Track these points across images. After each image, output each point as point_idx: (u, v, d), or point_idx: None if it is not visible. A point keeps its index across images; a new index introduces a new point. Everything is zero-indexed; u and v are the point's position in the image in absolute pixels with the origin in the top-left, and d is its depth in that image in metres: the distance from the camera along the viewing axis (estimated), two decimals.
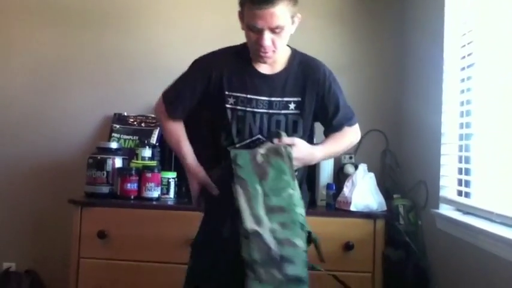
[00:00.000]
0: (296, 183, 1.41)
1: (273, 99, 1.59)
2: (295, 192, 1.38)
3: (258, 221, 1.29)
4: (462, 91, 1.92)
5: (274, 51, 1.51)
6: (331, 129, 1.69)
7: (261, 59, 1.55)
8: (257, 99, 1.58)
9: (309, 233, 1.35)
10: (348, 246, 2.00)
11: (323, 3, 2.57)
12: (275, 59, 1.59)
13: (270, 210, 1.32)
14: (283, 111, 1.60)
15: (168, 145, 1.86)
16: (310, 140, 1.68)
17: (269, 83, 1.59)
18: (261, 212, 1.31)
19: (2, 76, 2.56)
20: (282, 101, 1.60)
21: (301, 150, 1.50)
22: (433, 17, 2.09)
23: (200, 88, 1.62)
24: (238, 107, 1.59)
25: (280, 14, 1.43)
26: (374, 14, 2.56)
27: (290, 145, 1.46)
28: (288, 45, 1.63)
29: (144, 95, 2.53)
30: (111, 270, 2.02)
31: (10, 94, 2.56)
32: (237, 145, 1.58)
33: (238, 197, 1.32)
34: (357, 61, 2.55)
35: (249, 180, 1.35)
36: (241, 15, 1.52)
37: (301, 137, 1.59)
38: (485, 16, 1.75)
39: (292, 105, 1.61)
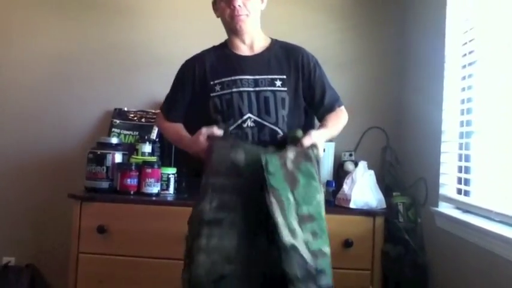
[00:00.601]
0: (321, 185, 1.44)
1: (257, 77, 1.63)
2: (321, 196, 1.41)
3: (293, 233, 1.28)
4: (463, 89, 1.91)
5: (247, 15, 1.59)
6: (323, 109, 1.71)
7: (236, 24, 1.60)
8: (241, 79, 1.63)
9: None
10: (347, 243, 2.00)
11: None
12: (251, 33, 1.65)
13: (301, 220, 1.32)
14: (269, 88, 1.63)
15: (169, 141, 1.87)
16: (310, 126, 1.69)
17: (251, 63, 1.65)
18: (294, 222, 1.30)
19: (1, 70, 2.55)
20: (267, 78, 1.64)
21: (321, 143, 1.52)
22: (435, 14, 2.08)
23: (189, 88, 1.70)
24: (225, 91, 1.63)
25: None
26: (375, 10, 2.55)
27: (314, 145, 1.46)
28: (269, 37, 1.73)
29: (144, 90, 2.54)
30: (110, 265, 2.03)
31: (10, 89, 2.55)
32: (231, 128, 1.59)
33: (274, 209, 1.29)
34: (357, 57, 2.54)
35: (281, 189, 1.33)
36: (215, 6, 1.67)
37: (290, 114, 1.63)
38: (487, 14, 1.74)
39: (278, 83, 1.64)
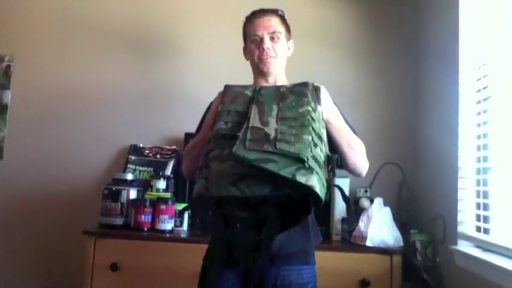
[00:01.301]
0: (319, 109, 1.39)
1: None
2: (315, 113, 1.34)
3: (264, 123, 1.28)
4: (478, 124, 1.90)
5: (274, 57, 1.66)
6: None
7: (264, 65, 1.66)
8: None
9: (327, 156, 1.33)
10: (364, 283, 1.95)
11: (337, 35, 2.61)
12: (276, 77, 1.68)
13: (281, 119, 1.30)
14: None
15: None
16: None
17: None
18: (271, 119, 1.29)
19: (17, 104, 2.62)
20: None
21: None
22: (448, 50, 2.09)
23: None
24: None
25: (276, 22, 1.67)
26: (389, 45, 2.58)
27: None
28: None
29: (160, 126, 2.57)
30: None
31: (25, 123, 2.60)
32: None
33: (252, 110, 1.32)
34: (371, 93, 2.56)
35: (267, 102, 1.35)
36: (245, 50, 1.74)
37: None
38: (501, 49, 1.74)
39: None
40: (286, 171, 1.17)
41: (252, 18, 1.69)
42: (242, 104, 1.39)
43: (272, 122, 1.29)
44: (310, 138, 1.26)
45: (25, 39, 2.66)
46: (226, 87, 1.49)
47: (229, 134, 1.31)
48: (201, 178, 1.27)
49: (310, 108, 1.33)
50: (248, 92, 1.43)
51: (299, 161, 1.19)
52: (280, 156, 1.20)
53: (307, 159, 1.20)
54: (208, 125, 1.51)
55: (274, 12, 1.69)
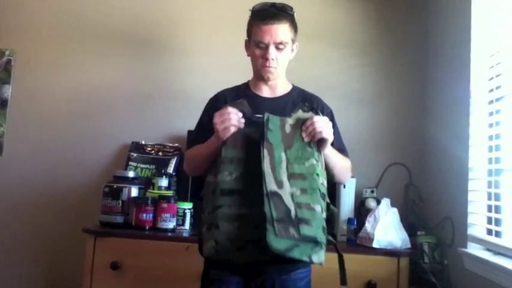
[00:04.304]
0: (322, 156, 1.48)
1: None
2: (318, 163, 1.44)
3: (279, 185, 1.36)
4: (491, 125, 1.85)
5: (276, 68, 1.64)
6: None
7: (264, 73, 1.65)
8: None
9: (328, 204, 1.46)
10: (370, 286, 1.91)
11: (344, 34, 2.56)
12: (276, 80, 1.69)
13: (291, 176, 1.38)
14: None
15: (192, 166, 1.71)
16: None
17: (269, 104, 1.66)
18: (283, 176, 1.37)
19: (17, 99, 2.58)
20: None
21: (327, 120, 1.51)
22: (459, 49, 2.05)
23: (211, 124, 1.63)
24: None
25: (284, 31, 1.60)
26: (396, 45, 2.54)
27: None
28: (291, 84, 1.75)
29: (162, 123, 2.53)
30: None
31: (26, 121, 2.56)
32: None
33: (264, 161, 1.37)
34: (379, 93, 2.51)
35: (275, 146, 1.41)
36: (248, 44, 1.70)
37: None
38: None
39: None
40: (304, 255, 1.33)
41: (260, 23, 1.60)
42: (245, 147, 1.44)
43: (285, 181, 1.37)
44: (320, 208, 1.39)
45: (26, 34, 2.62)
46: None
47: (235, 189, 1.40)
48: (210, 239, 1.38)
49: (314, 161, 1.43)
50: (252, 131, 1.45)
51: (314, 240, 1.35)
52: (302, 240, 1.33)
53: (321, 239, 1.36)
54: (207, 128, 1.58)
55: (284, 16, 1.60)
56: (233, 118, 1.45)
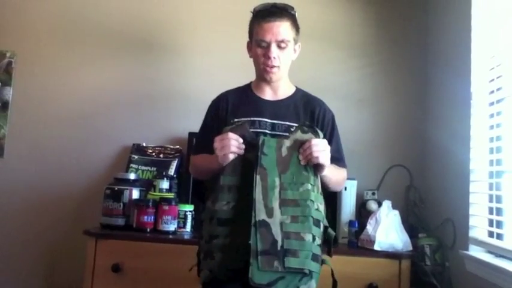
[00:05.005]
0: (318, 179, 1.47)
1: (275, 121, 1.64)
2: (314, 188, 1.43)
3: (269, 213, 1.35)
4: (491, 127, 1.85)
5: (278, 67, 1.62)
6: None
7: (267, 75, 1.64)
8: (260, 121, 1.63)
9: (326, 228, 1.45)
10: None
11: (345, 35, 2.56)
12: (279, 82, 1.68)
13: (283, 202, 1.38)
14: (285, 134, 1.60)
15: (198, 174, 1.76)
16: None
17: (271, 107, 1.66)
18: (275, 203, 1.37)
19: (18, 101, 2.58)
20: (284, 124, 1.63)
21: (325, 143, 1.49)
22: (459, 50, 2.04)
23: (214, 129, 1.65)
24: None
25: (285, 29, 1.60)
26: (397, 46, 2.54)
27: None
28: (295, 86, 1.75)
29: (163, 125, 2.53)
30: None
31: (27, 123, 2.56)
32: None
33: (256, 188, 1.37)
34: (379, 94, 2.51)
35: (269, 171, 1.40)
36: (250, 45, 1.69)
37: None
38: None
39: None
40: (291, 287, 1.34)
41: (261, 21, 1.61)
42: (243, 173, 1.43)
43: (276, 208, 1.36)
44: (311, 236, 1.37)
45: (27, 36, 2.62)
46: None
47: (231, 218, 1.40)
48: (205, 268, 1.42)
49: (309, 186, 1.42)
50: (251, 156, 1.43)
51: (301, 272, 1.35)
52: (287, 272, 1.33)
53: (311, 268, 1.36)
54: (210, 131, 1.62)
55: (285, 15, 1.61)
56: (233, 145, 1.44)
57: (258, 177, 1.38)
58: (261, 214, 1.34)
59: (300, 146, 1.45)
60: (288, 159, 1.43)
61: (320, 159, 1.43)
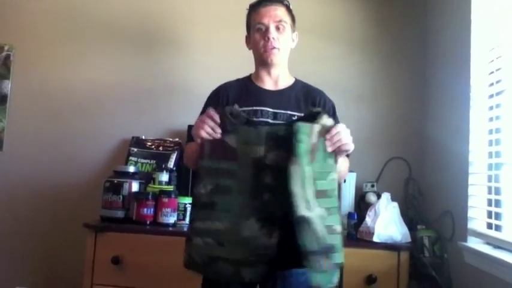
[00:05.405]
0: (336, 165, 1.39)
1: (277, 110, 1.63)
2: (336, 176, 1.36)
3: (308, 206, 1.26)
4: (491, 119, 1.85)
5: (279, 49, 1.63)
6: None
7: (267, 56, 1.64)
8: (262, 110, 1.62)
9: None
10: (370, 280, 1.92)
11: (344, 31, 2.55)
12: (278, 68, 1.68)
13: (317, 194, 1.29)
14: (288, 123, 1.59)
15: (190, 163, 1.69)
16: None
17: (273, 97, 1.66)
18: (311, 195, 1.28)
19: (17, 94, 2.57)
20: (286, 113, 1.62)
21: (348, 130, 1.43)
22: (459, 43, 2.04)
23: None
24: None
25: (282, 12, 1.64)
26: (395, 41, 2.53)
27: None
28: (294, 77, 1.75)
29: (162, 118, 2.53)
30: None
31: (26, 116, 2.56)
32: None
33: (294, 179, 1.25)
34: (378, 88, 2.51)
35: (303, 159, 1.28)
36: (248, 39, 1.72)
37: None
38: None
39: (296, 119, 1.60)
40: (329, 283, 1.29)
41: (258, 7, 1.65)
42: (224, 159, 1.37)
43: (313, 201, 1.28)
44: (341, 228, 1.34)
45: (25, 29, 2.61)
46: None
47: (208, 203, 1.35)
48: (186, 252, 1.40)
49: (335, 176, 1.35)
50: (231, 141, 1.36)
51: (341, 266, 1.32)
52: (332, 269, 1.29)
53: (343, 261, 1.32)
54: None
55: (280, 1, 1.65)
56: (206, 125, 1.37)
57: (293, 167, 1.26)
58: (301, 209, 1.24)
59: (325, 132, 1.34)
60: (316, 146, 1.32)
61: (348, 145, 1.37)
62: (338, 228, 1.32)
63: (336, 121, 1.66)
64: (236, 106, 1.47)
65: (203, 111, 1.75)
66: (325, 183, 1.32)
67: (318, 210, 1.27)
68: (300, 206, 1.24)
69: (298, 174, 1.26)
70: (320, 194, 1.29)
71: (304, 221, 1.24)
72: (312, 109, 1.47)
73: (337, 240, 1.30)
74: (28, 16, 2.62)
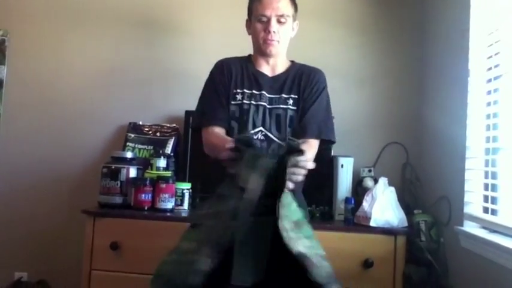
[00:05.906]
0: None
1: (272, 96, 1.72)
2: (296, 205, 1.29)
3: (294, 241, 1.18)
4: (488, 103, 1.85)
5: (278, 41, 1.67)
6: (302, 132, 1.66)
7: (266, 47, 1.67)
8: (260, 94, 1.71)
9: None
10: (367, 264, 1.93)
11: (343, 14, 2.53)
12: (276, 58, 1.72)
13: (296, 225, 1.21)
14: (282, 106, 1.71)
15: (210, 154, 1.68)
16: None
17: (270, 82, 1.74)
18: (291, 230, 1.19)
19: (13, 80, 2.55)
20: (282, 97, 1.72)
21: None
22: (458, 27, 2.03)
23: (223, 86, 1.72)
24: (244, 101, 1.72)
25: (285, 4, 1.65)
26: (394, 24, 2.51)
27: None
28: (291, 61, 1.80)
29: (159, 104, 2.52)
30: (123, 282, 1.98)
31: (22, 103, 2.55)
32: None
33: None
34: (377, 72, 2.50)
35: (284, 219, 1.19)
36: (248, 23, 1.75)
37: (293, 132, 1.68)
38: None
39: (290, 101, 1.72)
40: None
41: None
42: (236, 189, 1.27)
43: (293, 235, 1.19)
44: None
45: (20, 14, 2.59)
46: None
47: (197, 224, 1.34)
48: None
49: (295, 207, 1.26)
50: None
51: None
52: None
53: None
54: (219, 91, 1.69)
55: None
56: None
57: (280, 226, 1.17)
58: (295, 246, 1.16)
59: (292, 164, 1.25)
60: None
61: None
62: (323, 252, 1.24)
63: (322, 97, 1.71)
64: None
65: (212, 85, 1.74)
66: (294, 214, 1.23)
67: (302, 243, 1.19)
68: (293, 244, 1.15)
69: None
70: (298, 225, 1.22)
71: (303, 256, 1.15)
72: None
73: (329, 266, 1.21)
74: (23, 0, 2.58)
